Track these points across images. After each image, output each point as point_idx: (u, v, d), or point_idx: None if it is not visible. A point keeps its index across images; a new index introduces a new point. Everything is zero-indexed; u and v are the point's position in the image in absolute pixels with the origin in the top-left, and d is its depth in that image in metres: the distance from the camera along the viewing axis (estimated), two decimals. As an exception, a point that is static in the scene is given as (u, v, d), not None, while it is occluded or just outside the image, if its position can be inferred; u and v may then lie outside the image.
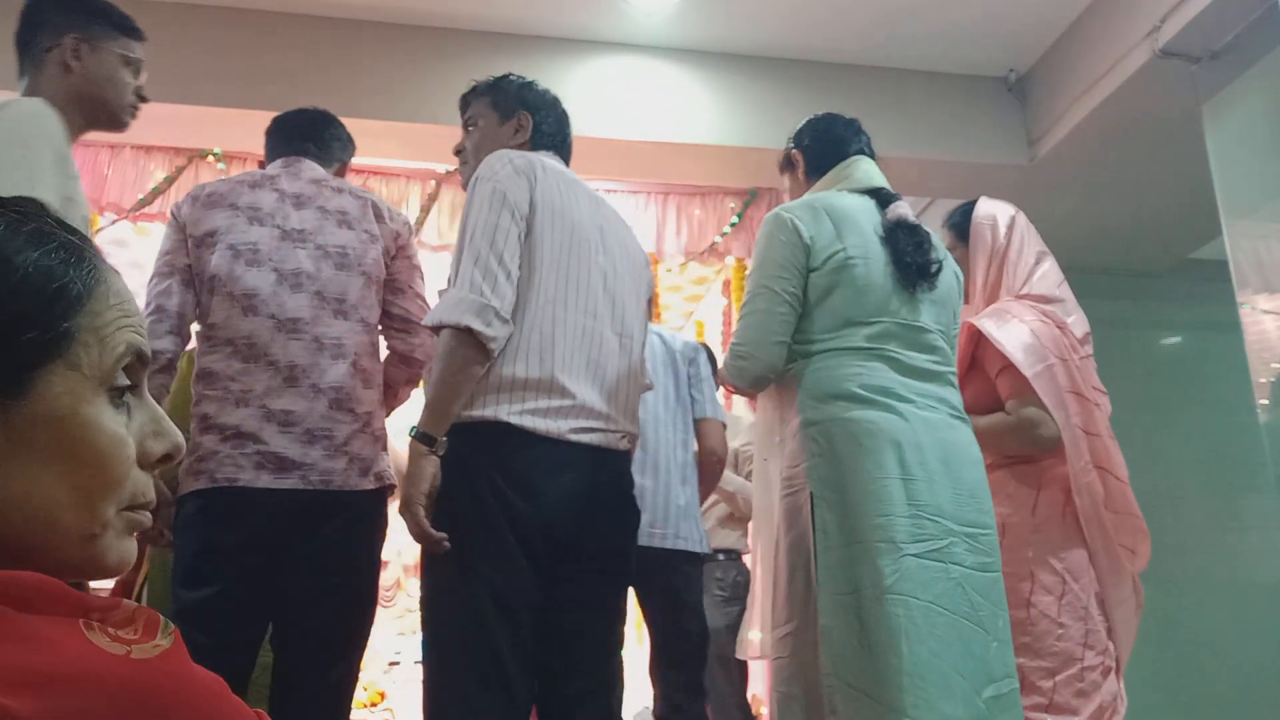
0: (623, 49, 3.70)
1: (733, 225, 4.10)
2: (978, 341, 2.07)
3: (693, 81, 3.72)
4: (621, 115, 3.62)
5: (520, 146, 1.87)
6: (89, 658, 0.45)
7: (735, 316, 4.41)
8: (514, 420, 1.62)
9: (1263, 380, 3.14)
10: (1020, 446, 2.02)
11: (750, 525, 2.63)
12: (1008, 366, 2.01)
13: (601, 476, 1.72)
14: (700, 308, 5.38)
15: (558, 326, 1.69)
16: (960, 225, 2.23)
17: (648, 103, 3.66)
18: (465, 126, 1.97)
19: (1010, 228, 2.17)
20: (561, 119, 1.96)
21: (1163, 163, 3.71)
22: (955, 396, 1.76)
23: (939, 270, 1.80)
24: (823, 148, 1.96)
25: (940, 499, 1.61)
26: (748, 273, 1.83)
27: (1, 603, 0.44)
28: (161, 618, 0.49)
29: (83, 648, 0.45)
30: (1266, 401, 3.13)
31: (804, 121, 2.04)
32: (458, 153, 1.96)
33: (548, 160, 1.84)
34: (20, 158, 1.45)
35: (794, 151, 2.00)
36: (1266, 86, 3.07)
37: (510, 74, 1.98)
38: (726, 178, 4.02)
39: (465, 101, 1.99)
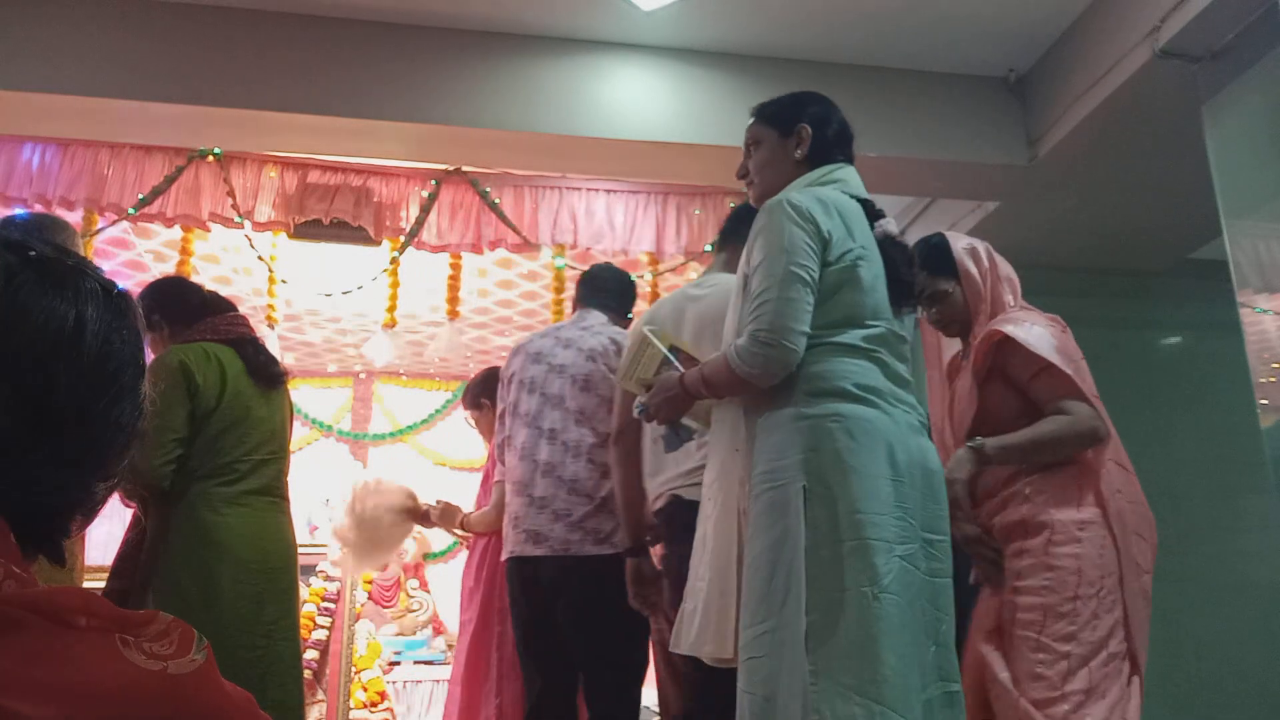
0: (623, 49, 3.69)
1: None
2: (999, 348, 2.05)
3: (693, 81, 3.72)
4: (621, 115, 3.62)
5: None
6: (123, 674, 0.45)
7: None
8: None
9: (1263, 380, 3.14)
10: (1083, 447, 1.99)
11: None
12: (1047, 367, 2.00)
13: None
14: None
15: None
16: (943, 263, 2.20)
17: (648, 103, 3.65)
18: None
19: (989, 253, 2.23)
20: None
21: (1163, 163, 3.71)
22: (920, 406, 1.80)
23: (920, 292, 1.89)
24: (835, 143, 1.90)
25: (915, 503, 1.64)
26: (760, 259, 1.71)
27: (39, 617, 0.44)
28: (196, 633, 0.49)
29: (117, 664, 0.45)
30: (1266, 401, 3.14)
31: (822, 102, 1.93)
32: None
33: None
34: None
35: (804, 127, 1.89)
36: (1266, 86, 3.07)
37: None
38: (726, 178, 3.98)
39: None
